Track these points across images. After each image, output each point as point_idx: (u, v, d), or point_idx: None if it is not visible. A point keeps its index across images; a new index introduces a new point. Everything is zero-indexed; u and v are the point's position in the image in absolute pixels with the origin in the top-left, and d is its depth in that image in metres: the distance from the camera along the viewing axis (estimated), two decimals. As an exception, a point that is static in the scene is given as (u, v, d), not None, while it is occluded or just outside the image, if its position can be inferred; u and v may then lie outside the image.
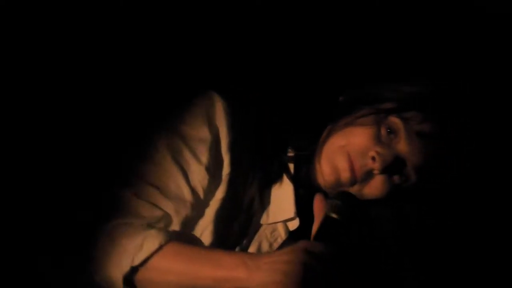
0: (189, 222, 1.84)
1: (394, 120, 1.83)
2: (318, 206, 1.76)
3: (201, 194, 1.83)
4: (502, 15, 2.23)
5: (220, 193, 1.86)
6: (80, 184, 1.93)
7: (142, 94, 2.09)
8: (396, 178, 1.84)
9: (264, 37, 2.22)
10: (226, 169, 1.86)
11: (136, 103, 2.07)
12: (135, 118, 2.01)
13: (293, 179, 1.90)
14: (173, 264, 1.70)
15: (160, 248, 1.70)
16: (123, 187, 1.79)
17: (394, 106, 1.84)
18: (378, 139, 1.82)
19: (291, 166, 1.92)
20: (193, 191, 1.81)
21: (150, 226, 1.74)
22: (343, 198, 1.76)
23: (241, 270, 1.65)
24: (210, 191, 1.85)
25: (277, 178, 1.91)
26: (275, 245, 1.89)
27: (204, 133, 1.84)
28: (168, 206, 1.79)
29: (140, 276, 1.70)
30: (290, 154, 1.92)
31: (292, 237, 1.91)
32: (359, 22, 2.26)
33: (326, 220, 1.74)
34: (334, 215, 1.73)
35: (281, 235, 1.90)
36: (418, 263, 1.90)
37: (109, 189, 1.81)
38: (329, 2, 2.24)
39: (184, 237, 1.77)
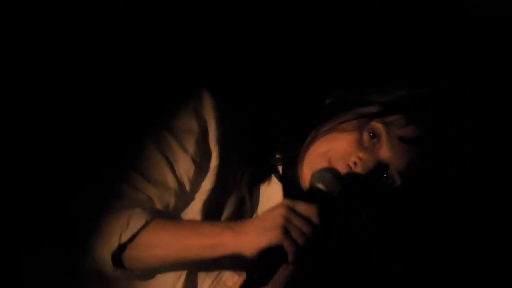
0: (174, 211, 1.85)
1: (376, 125, 1.82)
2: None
3: (186, 183, 1.84)
4: (486, 20, 2.23)
5: (207, 184, 1.86)
6: (65, 172, 1.97)
7: (133, 89, 2.12)
8: (380, 182, 1.83)
9: (255, 39, 2.24)
10: (214, 161, 1.87)
11: (126, 97, 2.11)
12: (124, 111, 2.05)
13: (282, 179, 1.91)
14: (159, 237, 1.73)
15: (146, 224, 1.72)
16: (107, 174, 1.81)
17: (376, 111, 1.84)
18: (360, 145, 1.82)
19: (280, 167, 1.92)
20: (178, 180, 1.82)
21: (134, 206, 1.76)
22: (331, 171, 1.76)
23: (227, 235, 1.68)
24: (196, 181, 1.85)
25: (265, 178, 1.92)
26: None
27: (191, 124, 1.85)
28: (152, 191, 1.80)
29: (128, 253, 1.73)
30: (278, 156, 1.93)
31: None
32: (347, 26, 2.27)
33: (311, 189, 1.75)
34: (319, 185, 1.73)
35: None
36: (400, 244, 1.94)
37: (93, 176, 1.83)
38: (317, 8, 2.25)
39: (169, 215, 1.80)
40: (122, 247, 1.72)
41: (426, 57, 2.27)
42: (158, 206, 1.80)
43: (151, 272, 1.82)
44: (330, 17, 2.27)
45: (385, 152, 1.81)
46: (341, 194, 1.74)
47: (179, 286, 1.82)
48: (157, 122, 1.86)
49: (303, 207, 1.67)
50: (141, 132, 1.86)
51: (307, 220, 1.65)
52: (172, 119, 1.86)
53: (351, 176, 1.80)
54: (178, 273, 1.83)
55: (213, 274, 1.85)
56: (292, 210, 1.66)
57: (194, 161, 1.83)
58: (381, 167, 1.82)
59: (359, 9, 2.27)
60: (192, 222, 1.82)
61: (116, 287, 1.82)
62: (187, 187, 1.84)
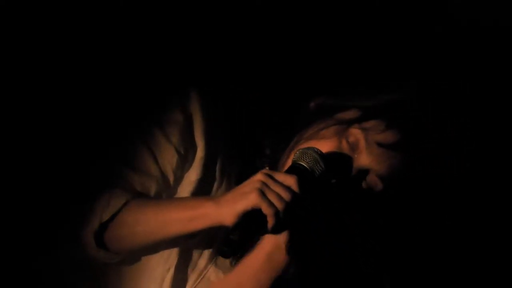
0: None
1: (355, 131, 1.83)
2: None
3: (169, 172, 1.85)
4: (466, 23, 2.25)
5: (194, 175, 1.87)
6: (54, 166, 1.99)
7: (121, 82, 2.14)
8: (362, 186, 1.84)
9: (243, 41, 2.27)
10: (200, 153, 1.88)
11: (114, 88, 2.12)
12: (110, 102, 2.07)
13: None
14: (140, 214, 1.73)
15: (127, 203, 1.74)
16: (91, 162, 1.84)
17: (355, 116, 1.85)
18: (340, 151, 1.82)
19: (267, 167, 1.93)
20: (160, 168, 1.84)
21: (115, 188, 1.78)
22: (314, 150, 1.76)
23: (207, 205, 1.69)
24: (180, 170, 1.86)
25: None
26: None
27: (177, 116, 1.86)
28: (133, 177, 1.81)
29: (110, 233, 1.75)
30: (264, 157, 1.94)
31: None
32: (334, 31, 2.29)
33: (293, 166, 1.75)
34: (302, 162, 1.73)
35: None
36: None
37: (78, 165, 1.87)
38: (301, 16, 2.29)
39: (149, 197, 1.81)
40: (103, 227, 1.73)
41: (407, 61, 2.27)
42: (139, 190, 1.81)
43: (138, 261, 1.84)
44: (315, 24, 2.28)
45: (365, 158, 1.82)
46: (323, 175, 1.74)
47: (168, 280, 1.84)
48: (142, 112, 1.88)
49: (281, 176, 1.68)
50: (125, 122, 1.88)
51: (285, 187, 1.66)
52: (157, 110, 1.87)
53: (335, 158, 1.80)
54: (167, 266, 1.84)
55: (198, 269, 1.87)
56: (270, 177, 1.67)
57: (177, 151, 1.84)
58: (362, 171, 1.83)
59: (344, 16, 2.28)
60: (172, 198, 1.83)
61: (105, 281, 1.86)
62: (170, 176, 1.85)
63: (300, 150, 1.76)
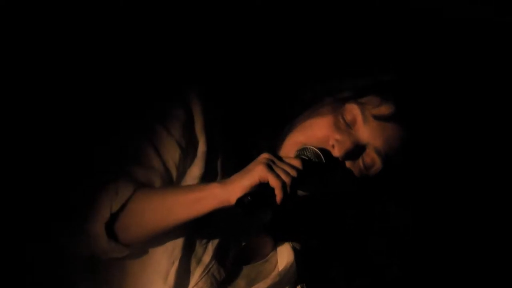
0: None
1: (351, 106, 1.85)
2: None
3: (172, 167, 1.85)
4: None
5: (197, 170, 1.88)
6: (57, 159, 1.99)
7: (122, 78, 2.16)
8: (360, 164, 1.85)
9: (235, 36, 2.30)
10: (202, 147, 1.89)
11: (115, 85, 2.14)
12: (113, 98, 2.08)
13: None
14: (147, 202, 1.75)
15: (134, 192, 1.75)
16: (95, 158, 1.84)
17: (351, 94, 1.87)
18: (337, 127, 1.84)
19: None
20: (164, 163, 1.84)
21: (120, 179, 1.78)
22: (313, 147, 1.80)
23: (214, 186, 1.72)
24: (183, 165, 1.87)
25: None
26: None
27: (178, 110, 1.88)
28: (139, 173, 1.82)
29: (120, 223, 1.76)
30: (260, 146, 1.93)
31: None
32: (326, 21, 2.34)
33: (296, 156, 1.79)
34: (303, 156, 1.77)
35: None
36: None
37: (83, 160, 1.87)
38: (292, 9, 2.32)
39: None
40: (113, 218, 1.74)
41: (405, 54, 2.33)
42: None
43: (143, 255, 1.83)
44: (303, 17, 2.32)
45: (362, 132, 1.84)
46: (325, 167, 1.78)
47: (173, 273, 1.83)
48: (144, 108, 1.89)
49: (286, 158, 1.73)
50: (128, 118, 1.89)
51: (291, 165, 1.70)
52: (158, 106, 1.88)
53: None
54: (171, 259, 1.83)
55: (203, 264, 1.86)
56: (275, 156, 1.71)
57: (179, 145, 1.85)
58: (360, 147, 1.84)
59: (333, 7, 2.33)
60: (178, 185, 1.84)
61: (108, 275, 1.85)
62: (173, 171, 1.85)
63: (300, 148, 1.81)
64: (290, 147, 1.87)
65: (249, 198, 1.65)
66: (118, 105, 1.98)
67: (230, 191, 1.69)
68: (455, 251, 2.29)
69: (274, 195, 1.67)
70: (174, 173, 1.85)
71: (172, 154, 1.85)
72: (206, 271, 1.86)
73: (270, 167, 1.67)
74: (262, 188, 1.67)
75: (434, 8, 2.37)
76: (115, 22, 2.16)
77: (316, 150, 1.79)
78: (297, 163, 1.72)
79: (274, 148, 1.91)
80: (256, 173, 1.67)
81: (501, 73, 2.38)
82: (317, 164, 1.77)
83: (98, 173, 1.82)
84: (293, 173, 1.69)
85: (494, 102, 2.38)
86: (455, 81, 2.25)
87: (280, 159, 1.72)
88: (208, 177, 1.88)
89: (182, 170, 1.87)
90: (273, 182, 1.66)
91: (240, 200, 1.65)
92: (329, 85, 1.92)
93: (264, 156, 1.71)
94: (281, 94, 1.99)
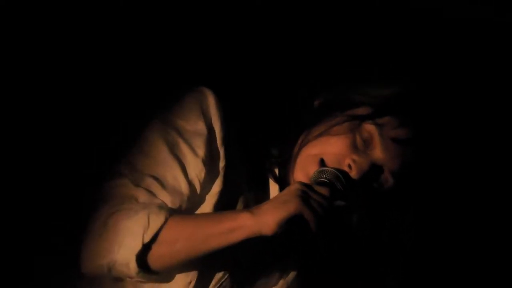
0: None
1: (369, 128, 1.84)
2: None
3: (197, 186, 1.83)
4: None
5: (217, 187, 1.86)
6: (75, 176, 1.99)
7: (136, 88, 2.15)
8: (374, 183, 1.85)
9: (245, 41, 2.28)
10: (222, 162, 1.87)
11: (130, 97, 2.14)
12: (130, 112, 2.07)
13: (278, 180, 1.93)
14: (180, 232, 1.73)
15: (165, 221, 1.72)
16: (119, 177, 1.80)
17: (368, 113, 1.85)
18: (354, 147, 1.84)
19: (276, 169, 1.94)
20: (190, 183, 1.82)
21: (150, 207, 1.75)
22: (330, 168, 1.82)
23: (245, 216, 1.70)
24: (207, 184, 1.86)
25: (263, 179, 1.94)
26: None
27: (199, 126, 1.85)
28: (165, 197, 1.79)
29: (151, 253, 1.72)
30: (274, 157, 1.94)
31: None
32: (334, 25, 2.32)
33: (318, 182, 1.80)
34: (322, 179, 1.79)
35: None
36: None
37: (104, 180, 1.82)
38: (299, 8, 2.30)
39: (184, 213, 1.81)
40: (145, 248, 1.72)
41: (407, 55, 2.33)
42: (170, 206, 1.79)
43: (166, 275, 1.82)
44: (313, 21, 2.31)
45: (379, 153, 1.84)
46: (344, 189, 1.79)
47: None
48: (166, 124, 1.85)
49: (315, 186, 1.74)
50: (149, 135, 1.85)
51: (322, 195, 1.72)
52: (180, 121, 1.85)
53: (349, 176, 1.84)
54: (188, 279, 1.83)
55: (216, 279, 1.86)
56: (307, 186, 1.72)
57: (204, 163, 1.83)
58: (375, 168, 1.84)
59: (343, 12, 2.31)
60: (208, 213, 1.83)
61: None
62: (198, 190, 1.84)
63: (317, 170, 1.81)
64: (305, 160, 1.86)
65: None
66: (141, 120, 1.93)
67: (263, 224, 1.68)
68: (457, 254, 2.32)
69: (308, 226, 1.68)
70: (198, 192, 1.84)
71: (198, 173, 1.83)
72: (219, 285, 1.87)
73: (305, 200, 1.68)
74: (296, 219, 1.68)
75: (434, 8, 2.38)
76: (129, 26, 2.16)
77: (336, 172, 1.80)
78: (325, 191, 1.73)
79: (286, 158, 1.91)
80: (292, 207, 1.67)
81: (501, 73, 2.39)
82: (339, 188, 1.79)
83: (126, 197, 1.78)
84: (325, 204, 1.70)
85: (494, 102, 2.39)
86: (455, 81, 2.25)
87: (312, 189, 1.72)
88: (227, 192, 1.87)
89: (206, 187, 1.86)
90: (309, 217, 1.67)
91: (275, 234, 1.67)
92: (344, 97, 1.91)
93: (298, 187, 1.71)
94: (293, 102, 1.98)
